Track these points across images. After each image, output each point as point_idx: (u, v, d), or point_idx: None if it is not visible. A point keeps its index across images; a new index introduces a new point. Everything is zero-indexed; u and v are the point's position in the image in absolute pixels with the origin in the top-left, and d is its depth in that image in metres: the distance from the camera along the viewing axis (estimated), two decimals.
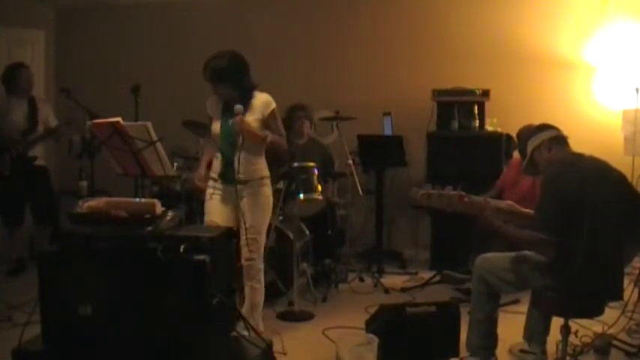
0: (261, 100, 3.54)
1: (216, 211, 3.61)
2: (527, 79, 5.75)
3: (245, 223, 3.51)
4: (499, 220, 3.02)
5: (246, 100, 3.49)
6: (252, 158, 3.54)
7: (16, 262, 5.31)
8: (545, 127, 3.21)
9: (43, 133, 5.24)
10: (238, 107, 3.39)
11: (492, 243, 4.06)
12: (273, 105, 3.56)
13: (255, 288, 3.60)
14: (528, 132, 4.60)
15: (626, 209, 2.98)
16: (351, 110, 5.38)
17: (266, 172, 3.64)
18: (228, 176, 3.55)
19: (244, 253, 3.55)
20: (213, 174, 3.66)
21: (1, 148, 5.05)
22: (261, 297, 3.65)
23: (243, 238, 3.52)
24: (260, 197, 3.58)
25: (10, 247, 5.37)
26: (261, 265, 3.64)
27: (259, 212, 3.57)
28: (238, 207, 3.52)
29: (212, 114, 3.64)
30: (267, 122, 3.54)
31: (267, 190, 3.63)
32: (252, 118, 3.48)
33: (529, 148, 3.20)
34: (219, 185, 3.63)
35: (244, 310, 3.58)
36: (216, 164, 3.64)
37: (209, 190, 3.66)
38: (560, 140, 3.14)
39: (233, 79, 3.47)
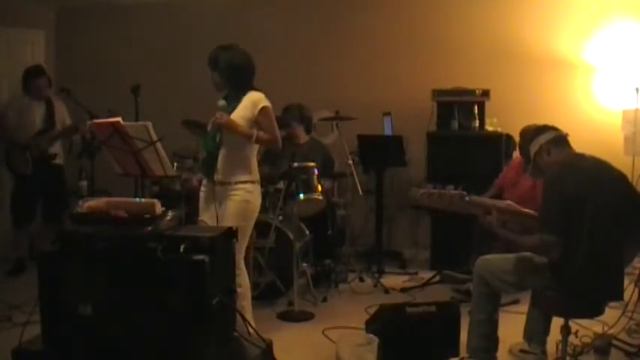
0: (252, 98, 3.48)
1: (204, 210, 3.60)
2: (527, 79, 5.75)
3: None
4: (499, 224, 3.01)
5: (234, 97, 3.49)
6: (232, 160, 3.46)
7: (16, 262, 5.31)
8: (542, 130, 3.18)
9: (63, 130, 5.30)
10: (221, 102, 3.39)
11: (492, 243, 4.06)
12: (264, 103, 3.47)
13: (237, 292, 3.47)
14: (529, 134, 4.62)
15: (627, 209, 2.98)
16: (351, 110, 5.38)
17: (248, 177, 3.49)
18: (204, 171, 3.53)
19: None
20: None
21: (21, 147, 5.09)
22: (243, 299, 3.50)
23: None
24: (234, 202, 3.44)
25: (13, 246, 5.37)
26: (239, 271, 3.45)
27: (232, 218, 3.39)
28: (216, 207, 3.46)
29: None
30: (257, 121, 3.46)
31: (246, 195, 3.46)
32: (239, 115, 3.44)
33: (531, 154, 3.18)
34: (205, 184, 3.61)
35: None
36: None
37: (202, 188, 3.66)
38: (558, 141, 3.12)
39: (225, 72, 3.48)
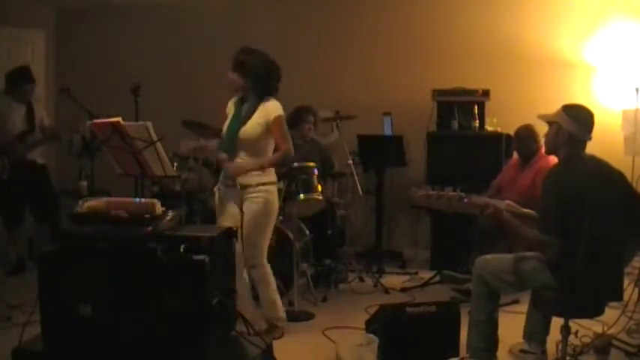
0: (268, 106, 3.54)
1: (224, 213, 3.66)
2: (527, 79, 5.75)
3: (243, 228, 3.54)
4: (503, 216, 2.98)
5: (253, 101, 3.55)
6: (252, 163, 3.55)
7: (16, 262, 5.30)
8: (587, 124, 3.04)
9: (43, 137, 5.25)
10: (222, 155, 3.52)
11: (493, 242, 4.07)
12: (278, 112, 3.53)
13: (266, 288, 3.67)
14: (528, 132, 4.58)
15: (626, 209, 2.98)
16: (351, 110, 5.37)
17: (268, 178, 3.60)
18: (223, 173, 3.61)
19: (245, 259, 3.60)
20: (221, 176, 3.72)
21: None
22: (273, 292, 3.72)
23: (243, 242, 3.56)
24: (255, 204, 3.55)
25: (10, 247, 5.37)
26: (263, 270, 3.66)
27: (258, 218, 3.54)
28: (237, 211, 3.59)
29: (228, 114, 3.69)
30: (270, 129, 3.53)
31: (267, 196, 3.56)
32: (255, 121, 3.51)
33: (562, 120, 3.02)
34: (222, 187, 3.68)
35: (264, 306, 3.69)
36: None
37: (218, 192, 3.72)
38: (578, 143, 3.04)
39: (251, 78, 3.53)
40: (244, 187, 3.55)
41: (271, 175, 3.63)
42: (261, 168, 3.54)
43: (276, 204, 3.65)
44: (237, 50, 3.58)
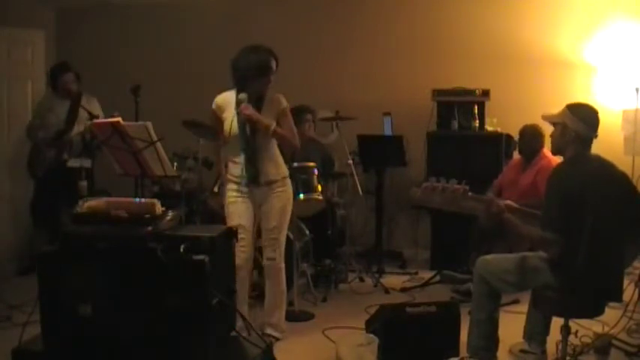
0: (273, 99, 3.59)
1: (242, 215, 3.61)
2: (527, 79, 5.75)
3: (268, 224, 3.59)
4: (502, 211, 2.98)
5: (255, 97, 3.56)
6: (274, 157, 3.61)
7: (29, 261, 5.27)
8: (593, 122, 3.04)
9: (70, 139, 5.14)
10: (242, 95, 3.43)
11: (493, 242, 4.07)
12: (285, 104, 3.61)
13: (276, 288, 3.69)
14: (533, 131, 4.58)
15: (628, 210, 2.98)
16: (351, 110, 5.37)
17: (285, 172, 3.69)
18: (251, 175, 3.56)
19: (266, 252, 3.63)
20: (233, 177, 3.65)
21: (38, 149, 5.05)
22: (283, 296, 3.75)
23: (265, 238, 3.62)
24: (284, 197, 3.63)
25: (33, 246, 5.32)
26: (282, 265, 3.69)
27: (283, 212, 3.62)
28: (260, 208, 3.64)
29: (224, 113, 3.60)
30: (278, 121, 3.59)
31: (288, 190, 3.68)
32: (264, 115, 3.53)
33: (567, 120, 3.03)
34: (242, 188, 3.62)
35: (266, 309, 3.71)
36: (236, 167, 3.62)
37: (231, 194, 3.65)
38: (586, 141, 3.05)
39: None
40: (271, 182, 3.59)
41: (285, 169, 3.71)
42: (268, 127, 3.48)
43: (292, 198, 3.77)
44: (261, 54, 3.56)
